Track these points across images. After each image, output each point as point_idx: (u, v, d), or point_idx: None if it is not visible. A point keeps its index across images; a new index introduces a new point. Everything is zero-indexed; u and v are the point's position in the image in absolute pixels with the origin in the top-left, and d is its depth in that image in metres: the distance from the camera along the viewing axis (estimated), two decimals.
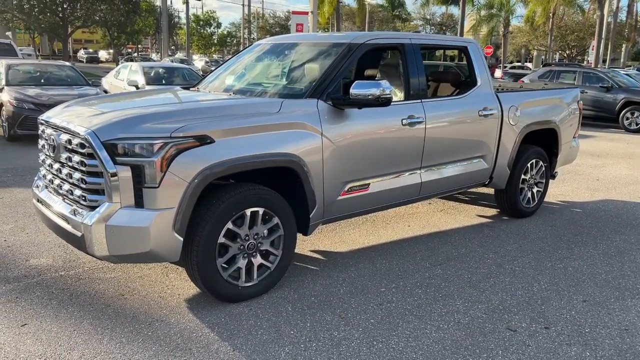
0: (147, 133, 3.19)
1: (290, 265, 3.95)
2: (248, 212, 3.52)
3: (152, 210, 3.18)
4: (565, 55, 49.30)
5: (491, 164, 5.40)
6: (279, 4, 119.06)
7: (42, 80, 10.94)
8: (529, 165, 5.83)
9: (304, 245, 4.82)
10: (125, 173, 3.15)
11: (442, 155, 4.84)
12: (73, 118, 3.56)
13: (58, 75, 11.23)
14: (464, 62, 5.47)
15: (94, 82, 11.69)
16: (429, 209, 6.19)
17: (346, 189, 4.11)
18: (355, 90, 3.87)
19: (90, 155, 3.23)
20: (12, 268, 4.14)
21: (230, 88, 4.59)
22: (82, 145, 3.29)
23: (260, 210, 3.58)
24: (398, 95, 4.83)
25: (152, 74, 12.95)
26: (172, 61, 29.26)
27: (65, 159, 3.48)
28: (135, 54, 56.91)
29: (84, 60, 57.17)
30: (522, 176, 5.79)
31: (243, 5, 50.66)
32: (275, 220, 3.68)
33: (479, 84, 5.21)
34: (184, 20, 56.80)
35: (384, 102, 3.91)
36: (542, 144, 6.05)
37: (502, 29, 40.14)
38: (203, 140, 3.27)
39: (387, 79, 4.89)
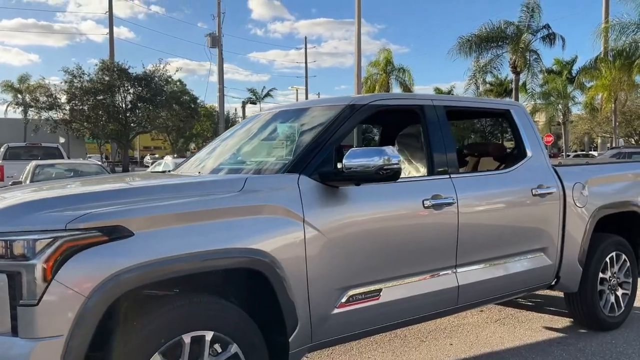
0: (35, 224, 2.24)
1: None
2: (187, 338, 2.40)
3: (29, 339, 2.14)
4: (632, 142, 46.77)
5: (556, 259, 4.09)
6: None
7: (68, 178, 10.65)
8: (607, 259, 4.44)
9: None
10: (0, 284, 2.17)
11: (485, 248, 3.62)
12: None
13: (86, 173, 10.92)
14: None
15: None
16: (480, 319, 4.82)
17: (345, 298, 2.95)
18: (349, 160, 2.83)
19: None
20: None
21: (203, 167, 3.66)
22: None
23: (208, 335, 2.46)
24: (421, 170, 3.75)
25: None
26: None
27: None
28: None
29: (149, 165, 59.86)
30: (600, 274, 4.40)
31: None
32: (233, 349, 2.53)
33: (529, 155, 4.05)
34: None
35: (389, 175, 2.84)
36: (623, 232, 4.68)
37: (562, 117, 38.65)
38: (114, 233, 2.26)
39: (406, 151, 3.85)
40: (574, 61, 37.67)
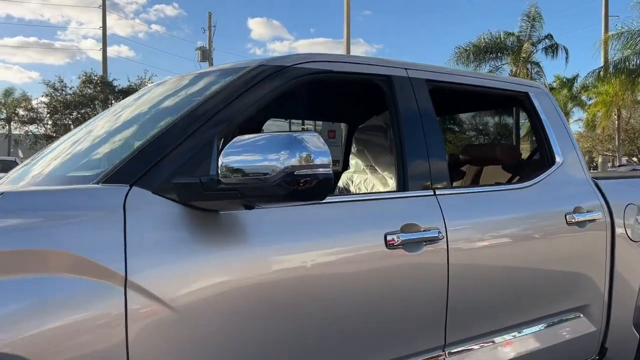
0: None
1: None
2: None
3: None
4: (634, 161, 45.50)
5: (601, 323, 2.65)
6: None
7: None
8: None
9: None
10: None
11: (491, 314, 2.19)
12: None
13: None
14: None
15: None
16: None
17: None
18: (229, 159, 1.42)
19: None
20: None
21: (21, 174, 2.20)
22: None
23: None
24: (389, 183, 2.34)
25: None
26: None
27: None
28: None
29: None
30: None
31: None
32: None
33: (558, 161, 2.63)
34: None
35: (308, 189, 1.41)
36: None
37: None
38: None
39: (368, 152, 2.44)
40: (574, 79, 36.57)
